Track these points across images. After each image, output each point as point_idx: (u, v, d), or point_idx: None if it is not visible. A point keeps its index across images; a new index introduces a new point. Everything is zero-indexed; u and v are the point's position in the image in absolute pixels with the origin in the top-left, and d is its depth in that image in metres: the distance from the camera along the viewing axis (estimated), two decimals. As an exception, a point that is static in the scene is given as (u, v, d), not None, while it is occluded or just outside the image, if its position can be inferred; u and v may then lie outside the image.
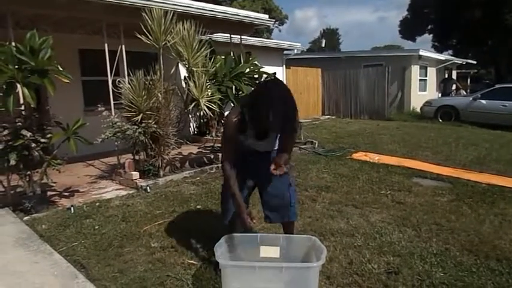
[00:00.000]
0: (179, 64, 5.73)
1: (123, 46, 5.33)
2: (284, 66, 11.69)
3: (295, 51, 12.20)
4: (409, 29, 36.01)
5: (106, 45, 5.18)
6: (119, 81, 5.11)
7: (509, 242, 3.09)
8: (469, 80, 24.99)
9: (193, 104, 5.51)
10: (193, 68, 5.40)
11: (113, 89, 5.25)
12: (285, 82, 11.40)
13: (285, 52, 11.93)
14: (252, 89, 2.27)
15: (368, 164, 5.77)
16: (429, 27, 34.84)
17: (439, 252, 2.92)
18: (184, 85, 5.99)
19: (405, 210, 3.84)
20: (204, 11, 6.07)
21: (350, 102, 13.89)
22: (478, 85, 21.21)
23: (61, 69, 3.83)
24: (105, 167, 5.92)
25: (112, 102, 5.31)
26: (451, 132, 9.62)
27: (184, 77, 5.84)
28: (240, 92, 6.24)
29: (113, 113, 5.11)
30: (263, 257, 2.24)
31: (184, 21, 5.25)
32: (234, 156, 2.41)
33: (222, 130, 2.55)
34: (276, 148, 2.56)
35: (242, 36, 7.68)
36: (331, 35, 54.14)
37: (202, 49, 5.48)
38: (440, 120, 12.08)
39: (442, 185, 4.73)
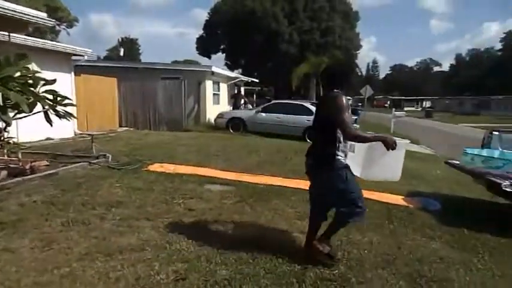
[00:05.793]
0: None
1: None
2: (73, 73, 10.52)
3: (86, 57, 11.15)
4: (205, 46, 38.98)
5: None
6: None
7: (279, 232, 3.67)
8: (255, 96, 28.96)
9: None
10: None
11: None
12: (74, 91, 10.30)
13: (74, 58, 10.75)
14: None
15: (164, 175, 5.77)
16: (222, 46, 38.69)
17: (223, 250, 3.14)
18: None
19: (196, 216, 4.02)
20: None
21: (148, 113, 13.77)
22: (262, 100, 24.76)
23: None
24: None
25: None
26: (240, 141, 10.82)
27: None
28: (8, 101, 5.15)
29: None
30: None
31: None
32: None
33: (338, 102, 2.79)
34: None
35: (17, 35, 6.47)
36: (130, 45, 52.82)
37: None
38: (231, 131, 13.43)
39: (229, 189, 5.19)
